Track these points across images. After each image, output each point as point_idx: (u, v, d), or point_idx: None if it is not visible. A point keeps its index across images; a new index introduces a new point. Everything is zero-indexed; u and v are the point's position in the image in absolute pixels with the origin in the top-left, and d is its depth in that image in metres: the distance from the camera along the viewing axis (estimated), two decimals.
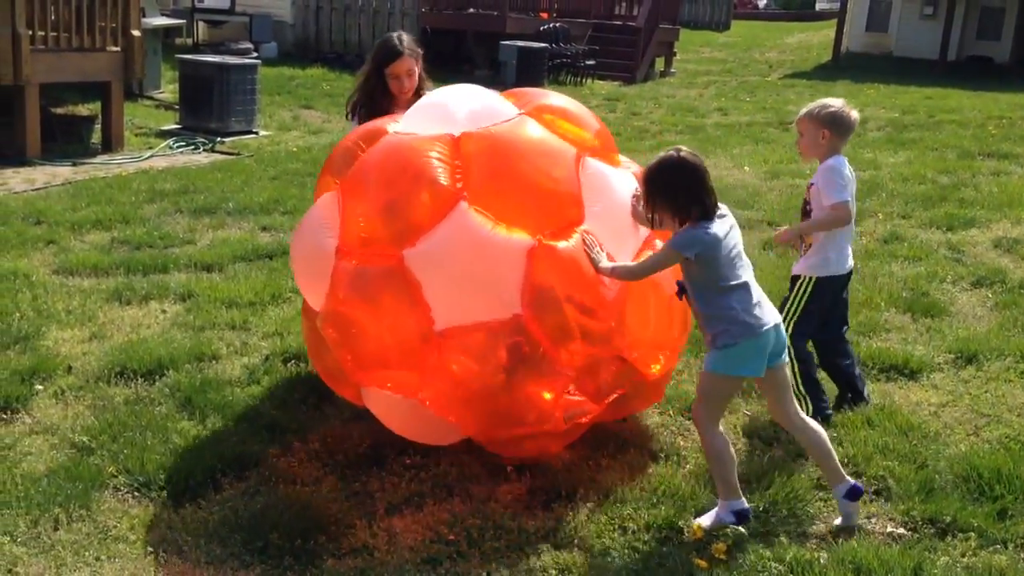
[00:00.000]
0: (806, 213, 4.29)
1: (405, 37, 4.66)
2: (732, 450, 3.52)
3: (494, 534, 3.42)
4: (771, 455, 4.01)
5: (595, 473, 3.83)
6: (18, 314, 5.20)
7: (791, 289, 4.28)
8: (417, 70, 4.62)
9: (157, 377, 4.57)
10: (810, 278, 4.22)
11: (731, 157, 10.98)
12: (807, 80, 20.39)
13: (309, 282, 3.92)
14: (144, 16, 11.75)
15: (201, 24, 17.75)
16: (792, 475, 3.80)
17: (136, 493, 3.58)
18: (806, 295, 4.22)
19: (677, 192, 3.40)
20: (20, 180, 8.53)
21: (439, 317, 3.46)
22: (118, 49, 10.08)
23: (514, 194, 3.58)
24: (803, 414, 3.61)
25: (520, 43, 17.13)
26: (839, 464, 3.56)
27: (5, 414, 4.14)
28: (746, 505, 3.48)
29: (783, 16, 41.64)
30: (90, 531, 3.34)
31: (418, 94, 4.55)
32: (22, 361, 4.60)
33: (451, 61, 18.29)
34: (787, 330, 3.86)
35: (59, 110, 11.16)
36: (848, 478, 3.53)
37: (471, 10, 19.22)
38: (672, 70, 21.67)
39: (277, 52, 17.48)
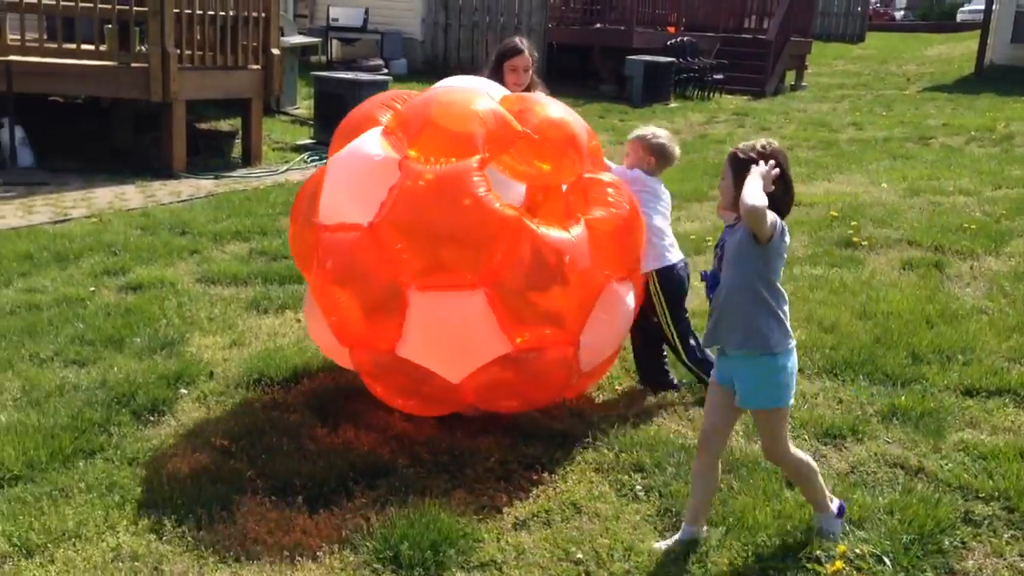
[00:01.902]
0: None
1: (527, 41, 5.28)
2: (812, 461, 3.48)
3: (623, 555, 3.37)
4: (913, 486, 3.83)
5: (726, 496, 3.73)
6: (165, 320, 5.44)
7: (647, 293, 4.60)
8: (531, 71, 5.16)
9: (293, 384, 4.69)
10: (651, 273, 4.58)
11: (867, 173, 10.62)
12: (948, 94, 19.56)
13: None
14: (283, 35, 12.20)
15: (335, 42, 18.29)
16: (938, 506, 3.62)
17: (273, 497, 3.68)
18: (659, 288, 4.60)
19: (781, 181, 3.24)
20: (167, 192, 8.95)
21: (404, 348, 3.90)
22: (258, 67, 10.48)
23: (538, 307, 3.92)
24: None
25: (646, 58, 17.03)
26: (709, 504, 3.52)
27: (152, 416, 4.33)
28: (840, 503, 3.51)
29: (921, 27, 40.12)
30: (231, 533, 3.44)
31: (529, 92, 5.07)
32: (168, 366, 4.80)
33: (577, 76, 18.33)
34: (671, 328, 4.60)
35: (203, 125, 11.67)
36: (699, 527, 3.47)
37: (598, 25, 19.22)
38: (803, 84, 21.14)
39: (407, 69, 17.86)
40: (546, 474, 3.92)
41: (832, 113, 16.54)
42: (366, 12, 17.96)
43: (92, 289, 5.95)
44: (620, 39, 18.26)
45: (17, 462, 3.80)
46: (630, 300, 4.24)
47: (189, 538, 3.40)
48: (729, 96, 18.32)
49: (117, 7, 9.33)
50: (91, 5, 9.25)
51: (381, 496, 3.72)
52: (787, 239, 3.27)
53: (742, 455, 4.05)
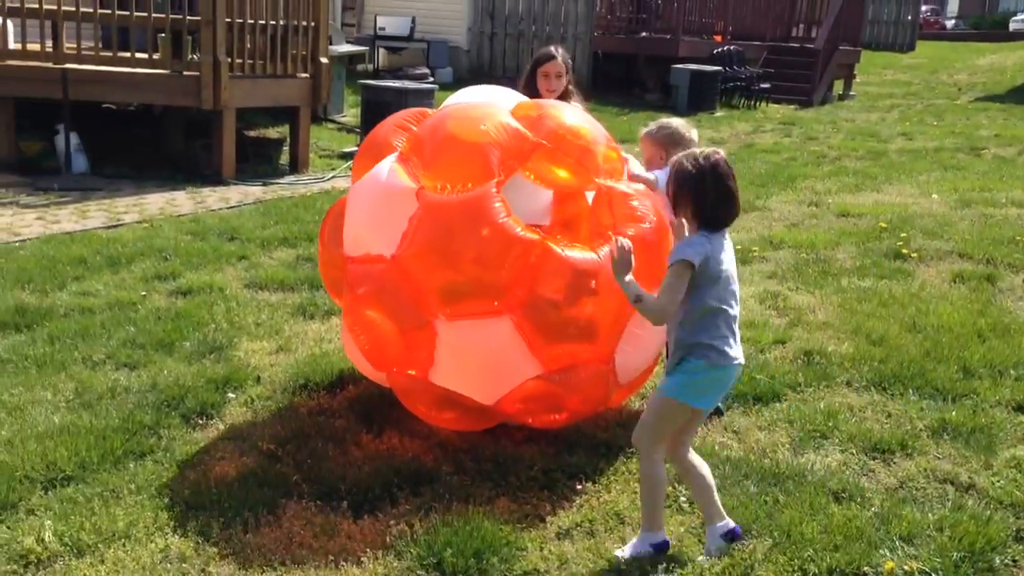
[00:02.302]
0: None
1: (562, 49, 5.33)
2: (665, 481, 3.48)
3: (667, 567, 3.35)
4: (963, 503, 3.77)
5: (771, 509, 3.69)
6: (213, 325, 5.52)
7: None
8: (565, 79, 5.19)
9: (338, 390, 4.73)
10: None
11: (917, 184, 10.47)
12: (1000, 104, 19.22)
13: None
14: (331, 44, 12.32)
15: (382, 51, 18.45)
16: (989, 523, 3.56)
17: (318, 502, 3.71)
18: None
19: (705, 195, 3.29)
20: (216, 199, 9.08)
21: (436, 375, 3.93)
22: (307, 76, 10.60)
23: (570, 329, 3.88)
24: (692, 452, 3.52)
25: (692, 66, 16.96)
26: (719, 504, 3.45)
27: (201, 419, 4.39)
28: (666, 538, 3.42)
29: (973, 36, 39.47)
30: (277, 536, 3.48)
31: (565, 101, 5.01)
32: (216, 370, 4.87)
33: (622, 85, 18.29)
34: None
35: (251, 133, 11.83)
36: (727, 517, 3.45)
37: (643, 34, 19.19)
38: (852, 93, 20.92)
39: (452, 77, 17.94)
40: (590, 484, 3.92)
41: (881, 123, 16.34)
42: (413, 21, 18.11)
43: (143, 293, 6.06)
44: (666, 48, 18.20)
45: (69, 462, 3.88)
46: None
47: (236, 541, 3.45)
48: (775, 105, 18.18)
49: (170, 16, 9.50)
50: (145, 15, 9.44)
51: (425, 503, 3.74)
52: (720, 264, 3.28)
53: (788, 468, 4.01)
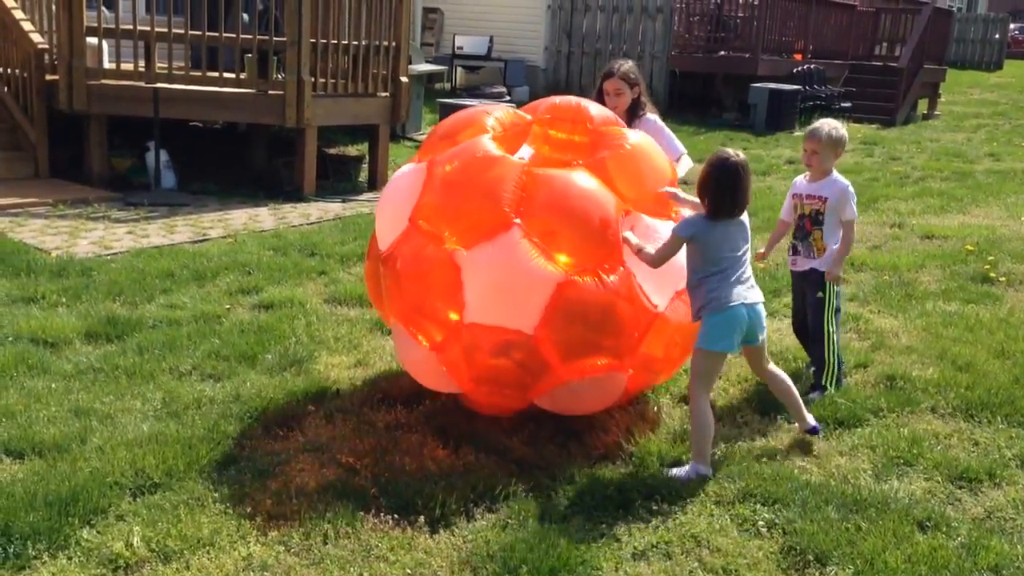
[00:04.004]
0: (817, 222, 4.93)
1: (627, 65, 5.35)
2: (713, 423, 4.14)
3: None
4: None
5: (853, 536, 3.62)
6: (294, 339, 5.63)
7: (819, 285, 4.96)
8: (629, 94, 5.27)
9: (415, 405, 4.78)
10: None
11: (1006, 207, 10.18)
12: None
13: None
14: (410, 63, 12.51)
15: (459, 69, 18.67)
16: None
17: (395, 515, 3.75)
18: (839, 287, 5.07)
19: (716, 186, 4.03)
20: (297, 215, 9.27)
21: (470, 313, 4.12)
22: (387, 94, 10.78)
23: (562, 230, 4.14)
24: (773, 364, 4.42)
25: (771, 85, 16.76)
26: (803, 407, 4.40)
27: (282, 431, 4.48)
28: (710, 473, 4.07)
29: None
30: (355, 548, 3.53)
31: (637, 116, 5.25)
32: (297, 383, 4.97)
33: (699, 104, 18.18)
34: (830, 318, 4.95)
35: (332, 150, 12.06)
36: (809, 418, 4.39)
37: (722, 53, 19.05)
38: (936, 112, 20.44)
39: (528, 95, 18.05)
40: (666, 505, 3.89)
41: (967, 143, 15.93)
42: (491, 41, 18.29)
43: (227, 307, 6.21)
44: (744, 66, 18.03)
45: (157, 470, 3.99)
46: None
47: (315, 551, 3.51)
48: (857, 124, 17.83)
49: (258, 37, 9.77)
50: (233, 35, 9.72)
51: (501, 519, 3.75)
52: (714, 240, 4.03)
53: (870, 495, 3.94)
